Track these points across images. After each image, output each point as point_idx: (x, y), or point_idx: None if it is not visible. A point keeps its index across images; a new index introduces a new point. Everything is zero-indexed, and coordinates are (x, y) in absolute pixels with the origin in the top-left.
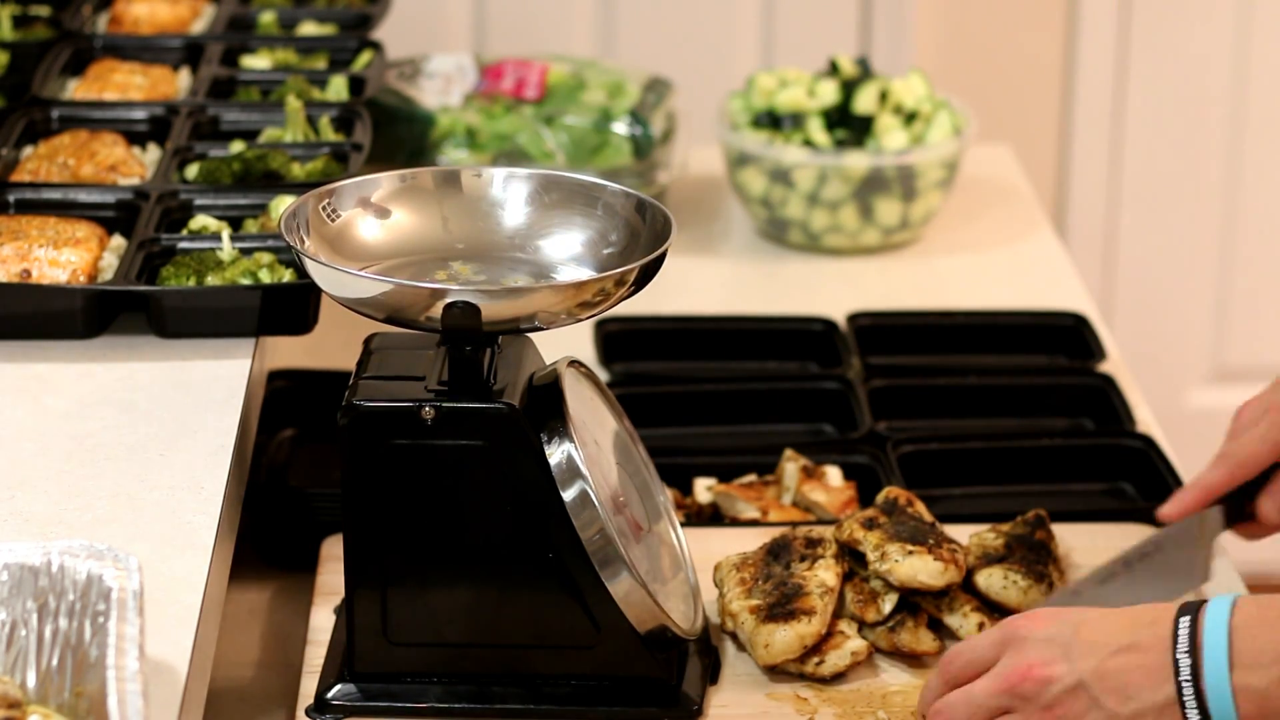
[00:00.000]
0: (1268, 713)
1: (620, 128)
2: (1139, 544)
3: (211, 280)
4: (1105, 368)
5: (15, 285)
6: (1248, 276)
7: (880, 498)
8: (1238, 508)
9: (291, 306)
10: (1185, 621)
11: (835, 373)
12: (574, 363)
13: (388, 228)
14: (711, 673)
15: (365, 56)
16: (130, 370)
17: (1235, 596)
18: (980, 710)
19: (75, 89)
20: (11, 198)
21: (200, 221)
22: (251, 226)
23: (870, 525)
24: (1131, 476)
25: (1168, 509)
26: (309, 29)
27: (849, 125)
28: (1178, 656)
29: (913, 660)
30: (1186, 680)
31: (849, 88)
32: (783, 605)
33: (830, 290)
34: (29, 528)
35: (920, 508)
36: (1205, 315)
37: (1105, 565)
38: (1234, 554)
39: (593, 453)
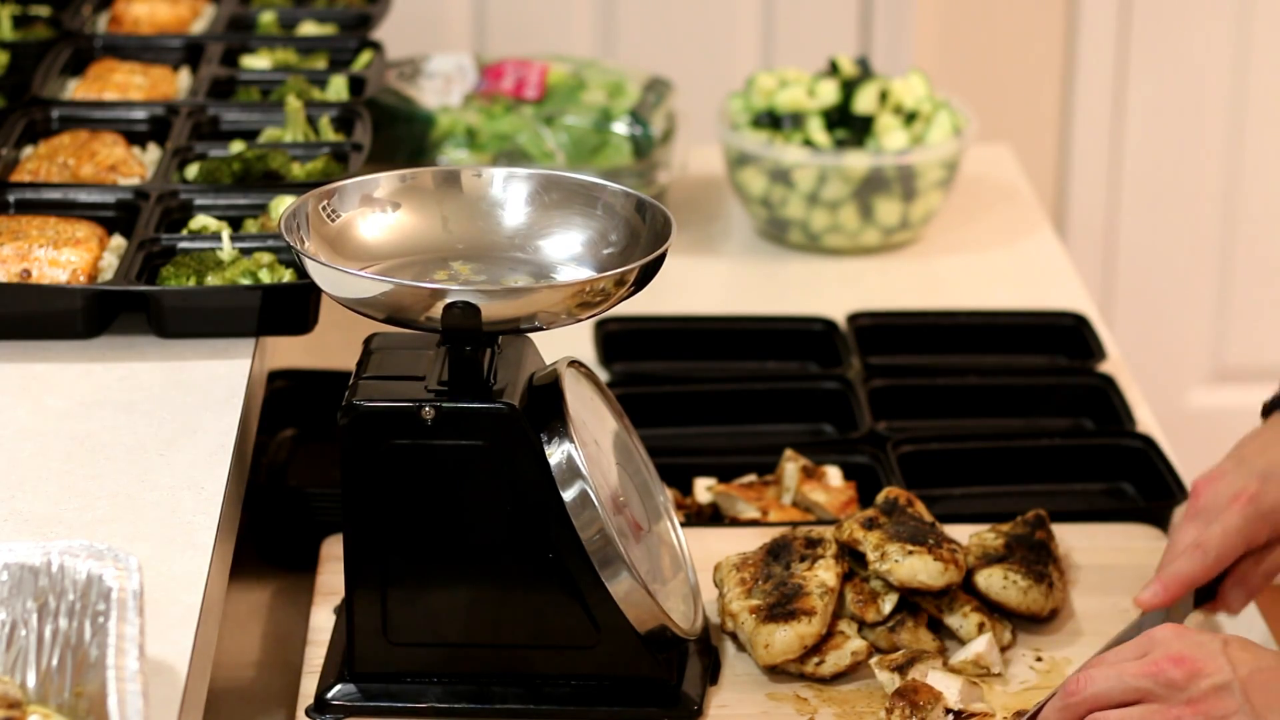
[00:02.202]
0: None
1: (620, 128)
2: (1121, 633)
3: (211, 280)
4: (1105, 368)
5: (15, 285)
6: (1248, 276)
7: (880, 498)
8: (1208, 591)
9: (291, 306)
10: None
11: (835, 373)
12: (574, 363)
13: (388, 228)
14: (711, 673)
15: (365, 56)
16: (130, 370)
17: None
18: (1124, 686)
19: (75, 89)
20: (11, 198)
21: (200, 221)
22: (251, 226)
23: (870, 525)
24: (1131, 476)
25: (1147, 598)
26: (309, 29)
27: (849, 125)
28: None
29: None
30: None
31: (849, 88)
32: (783, 605)
33: (830, 290)
34: (29, 528)
35: (920, 508)
36: (1205, 315)
37: (1092, 658)
38: None
39: (593, 453)
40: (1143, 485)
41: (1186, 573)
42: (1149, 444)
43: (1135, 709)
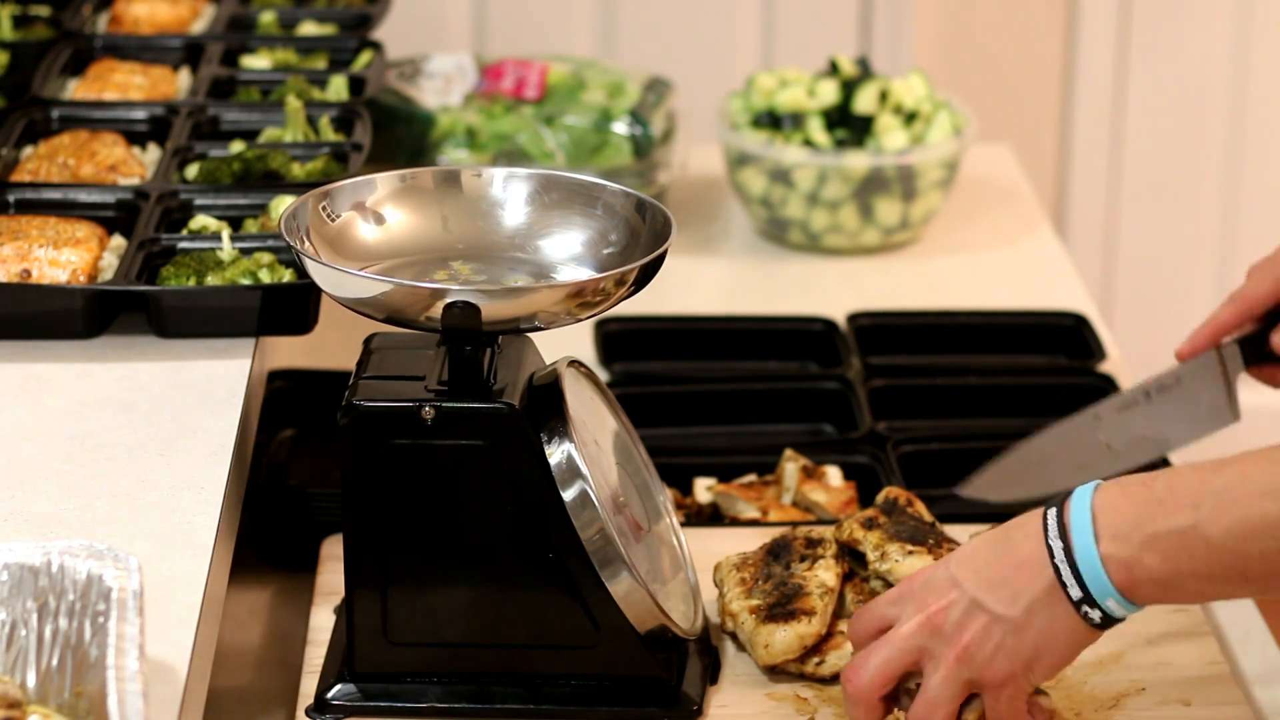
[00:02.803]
0: (1136, 578)
1: (620, 128)
2: (1157, 376)
3: (211, 280)
4: (1105, 368)
5: (15, 285)
6: None
7: (880, 498)
8: (1256, 349)
9: (291, 306)
10: (1052, 512)
11: (835, 373)
12: (574, 363)
13: (388, 228)
14: (711, 673)
15: (365, 56)
16: (130, 370)
17: (1096, 483)
18: (897, 654)
19: (75, 89)
20: (11, 198)
21: (200, 221)
22: (251, 226)
23: (870, 525)
24: None
25: (1183, 347)
26: (309, 29)
27: (849, 125)
28: (1050, 543)
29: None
30: (1061, 562)
31: (849, 88)
32: (783, 605)
33: (830, 290)
34: (29, 528)
35: (920, 508)
36: (1205, 315)
37: (1125, 393)
38: None
39: (593, 453)
40: None
41: (1217, 319)
42: None
43: (932, 680)
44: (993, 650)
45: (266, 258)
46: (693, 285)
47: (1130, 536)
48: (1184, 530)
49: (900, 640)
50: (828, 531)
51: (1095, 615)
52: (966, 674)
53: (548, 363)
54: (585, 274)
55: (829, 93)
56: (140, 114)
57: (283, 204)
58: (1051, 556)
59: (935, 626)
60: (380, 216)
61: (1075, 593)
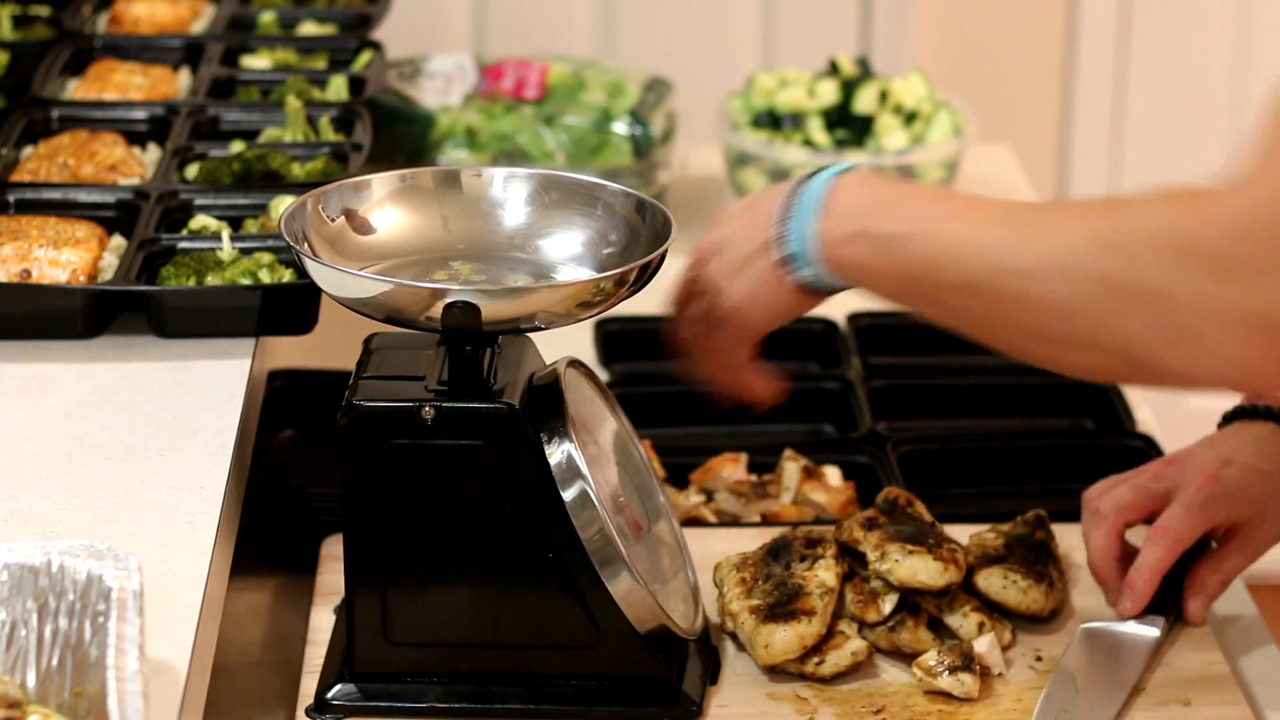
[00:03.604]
0: (840, 258)
1: (620, 128)
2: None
3: (211, 280)
4: None
5: (15, 285)
6: None
7: (880, 498)
8: (1161, 601)
9: (291, 306)
10: (804, 179)
11: (835, 373)
12: (574, 363)
13: (388, 228)
14: (711, 673)
15: (365, 56)
16: (130, 370)
17: (854, 164)
18: (684, 280)
19: (75, 89)
20: (11, 198)
21: (200, 221)
22: (251, 226)
23: (870, 525)
24: None
25: (1128, 608)
26: (309, 29)
27: (849, 125)
28: (785, 201)
29: (913, 660)
30: (781, 220)
31: (849, 88)
32: (783, 605)
33: None
34: (29, 528)
35: (920, 508)
36: None
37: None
38: None
39: (593, 453)
40: None
41: (1154, 562)
42: (1149, 444)
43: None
44: (722, 283)
45: (266, 258)
46: None
47: (850, 221)
48: (894, 236)
49: (685, 270)
50: (828, 531)
51: (801, 274)
52: (705, 302)
53: (548, 363)
54: (585, 274)
55: (829, 93)
56: (140, 114)
57: (283, 204)
58: (778, 219)
59: (701, 257)
60: (380, 216)
61: (782, 250)
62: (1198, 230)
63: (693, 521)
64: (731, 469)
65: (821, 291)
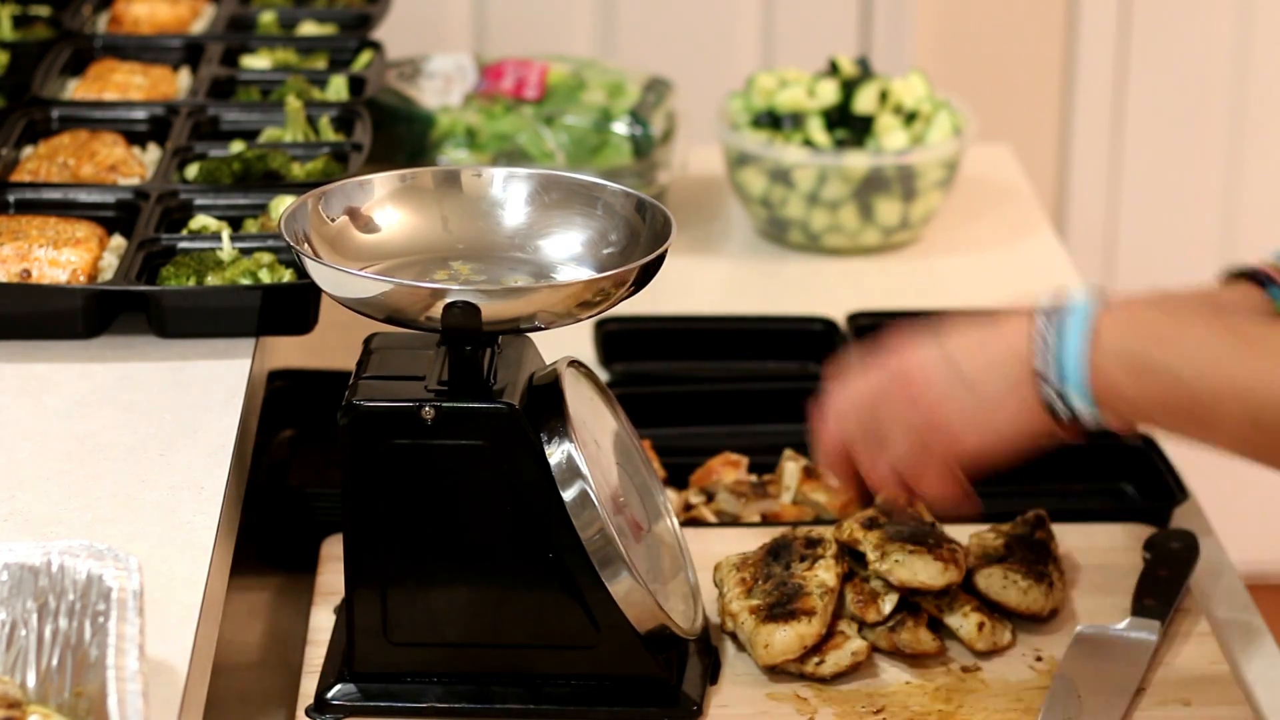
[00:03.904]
0: (1114, 396)
1: (620, 128)
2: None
3: (211, 280)
4: None
5: (15, 285)
6: None
7: (880, 498)
8: None
9: (291, 306)
10: (1053, 313)
11: None
12: (574, 363)
13: (388, 228)
14: (711, 673)
15: (365, 56)
16: (130, 370)
17: (1099, 289)
18: (856, 398)
19: (75, 89)
20: (11, 198)
21: (200, 221)
22: (251, 226)
23: (870, 525)
24: (1131, 476)
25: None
26: (309, 29)
27: (849, 125)
28: (1042, 337)
29: (913, 660)
30: (1044, 343)
31: (849, 88)
32: (783, 605)
33: (830, 290)
34: (29, 528)
35: (920, 508)
36: None
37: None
38: (1234, 553)
39: (593, 453)
40: (1143, 485)
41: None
42: (1149, 444)
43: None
44: (943, 395)
45: (266, 258)
46: (693, 285)
47: (1122, 359)
48: (1171, 372)
49: (864, 383)
50: (828, 531)
51: (1057, 403)
52: (915, 416)
53: (548, 363)
54: (585, 274)
55: (829, 93)
56: (140, 114)
57: (283, 204)
58: (1037, 339)
59: (898, 375)
60: (380, 216)
61: (1048, 373)
62: None
63: (692, 522)
64: (731, 472)
65: (1080, 424)
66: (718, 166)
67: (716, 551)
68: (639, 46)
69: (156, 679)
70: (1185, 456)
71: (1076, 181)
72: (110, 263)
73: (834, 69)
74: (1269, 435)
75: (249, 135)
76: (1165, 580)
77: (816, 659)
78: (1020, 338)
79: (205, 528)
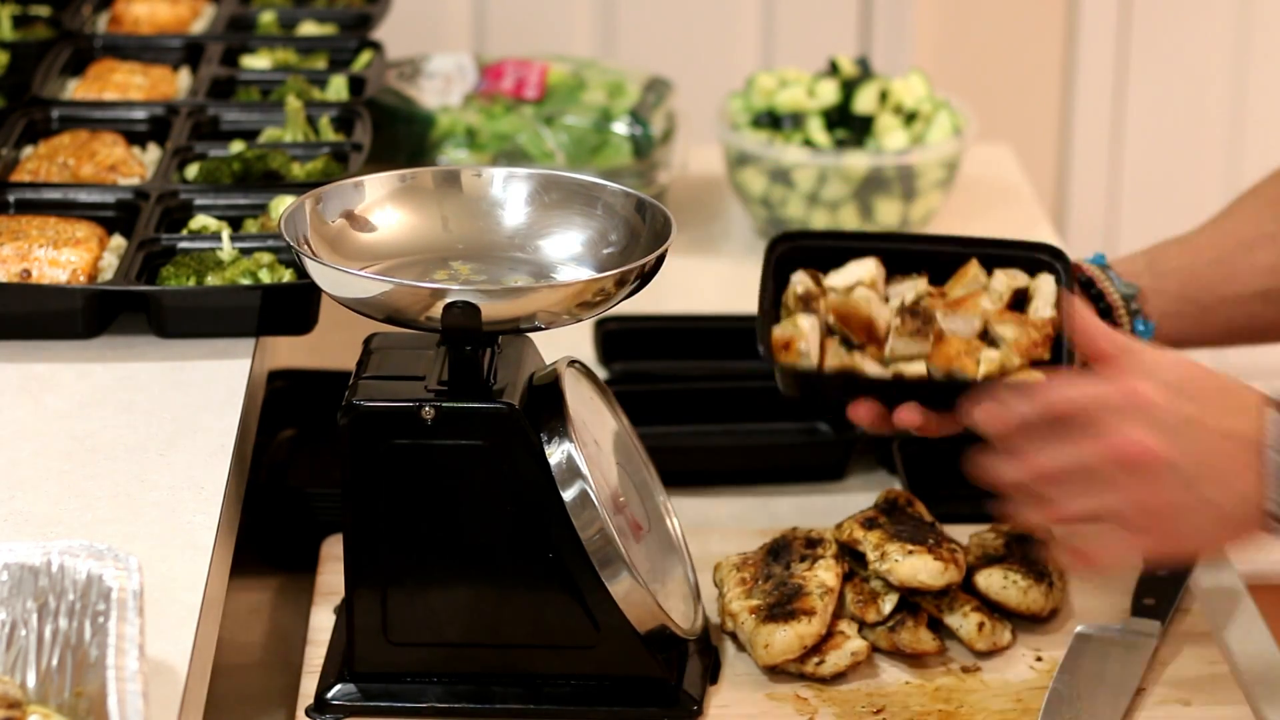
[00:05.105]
0: None
1: (620, 128)
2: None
3: (211, 280)
4: None
5: (15, 285)
6: None
7: (880, 498)
8: None
9: (291, 306)
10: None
11: None
12: (574, 363)
13: (388, 228)
14: (711, 673)
15: (365, 56)
16: (130, 370)
17: None
18: (1079, 468)
19: (75, 89)
20: (11, 198)
21: (200, 221)
22: (251, 226)
23: (870, 525)
24: None
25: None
26: (309, 29)
27: (849, 125)
28: (1275, 457)
29: (913, 660)
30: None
31: (849, 88)
32: (783, 605)
33: None
34: (29, 528)
35: (920, 508)
36: None
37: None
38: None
39: (593, 453)
40: None
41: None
42: None
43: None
44: (1177, 502)
45: (266, 258)
46: (693, 285)
47: None
48: None
49: (1094, 457)
50: (827, 531)
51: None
52: (1145, 497)
53: (548, 363)
54: (585, 274)
55: (829, 93)
56: (140, 114)
57: (283, 204)
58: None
59: (1130, 465)
60: (380, 216)
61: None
62: None
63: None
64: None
65: None
66: (718, 166)
67: (716, 551)
68: (639, 46)
69: (156, 679)
70: None
71: (1076, 181)
72: (110, 263)
73: (834, 69)
74: None
75: (249, 135)
76: (1165, 580)
77: (816, 659)
78: (1248, 437)
79: (205, 528)
